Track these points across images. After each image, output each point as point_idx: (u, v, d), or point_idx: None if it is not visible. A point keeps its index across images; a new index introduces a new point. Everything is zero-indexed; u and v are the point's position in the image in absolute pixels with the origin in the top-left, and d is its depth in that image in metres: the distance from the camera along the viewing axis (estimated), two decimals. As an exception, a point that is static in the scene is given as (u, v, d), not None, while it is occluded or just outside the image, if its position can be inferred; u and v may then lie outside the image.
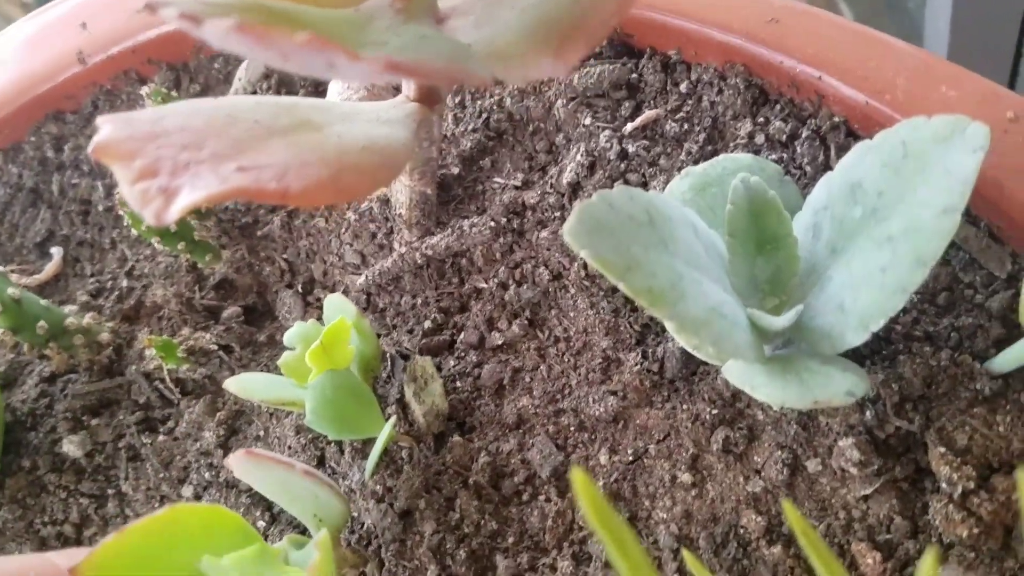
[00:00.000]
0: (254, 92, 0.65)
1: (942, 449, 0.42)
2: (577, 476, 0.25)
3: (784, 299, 0.45)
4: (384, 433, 0.47)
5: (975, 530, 0.40)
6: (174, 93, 0.58)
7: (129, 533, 0.36)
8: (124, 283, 0.62)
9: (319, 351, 0.47)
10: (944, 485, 0.41)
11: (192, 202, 0.32)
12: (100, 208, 0.66)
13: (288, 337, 0.50)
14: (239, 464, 0.41)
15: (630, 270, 0.37)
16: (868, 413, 0.45)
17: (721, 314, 0.40)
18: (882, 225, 0.40)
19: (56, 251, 0.67)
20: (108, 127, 0.35)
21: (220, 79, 0.68)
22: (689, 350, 0.46)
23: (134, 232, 0.58)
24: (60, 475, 0.56)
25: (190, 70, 0.70)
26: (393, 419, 0.47)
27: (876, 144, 0.42)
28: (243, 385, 0.47)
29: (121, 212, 0.53)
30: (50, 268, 0.65)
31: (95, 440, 0.56)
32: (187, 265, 0.61)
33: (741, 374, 0.42)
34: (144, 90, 0.56)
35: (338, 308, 0.50)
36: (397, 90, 0.48)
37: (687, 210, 0.45)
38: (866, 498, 0.44)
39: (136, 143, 0.35)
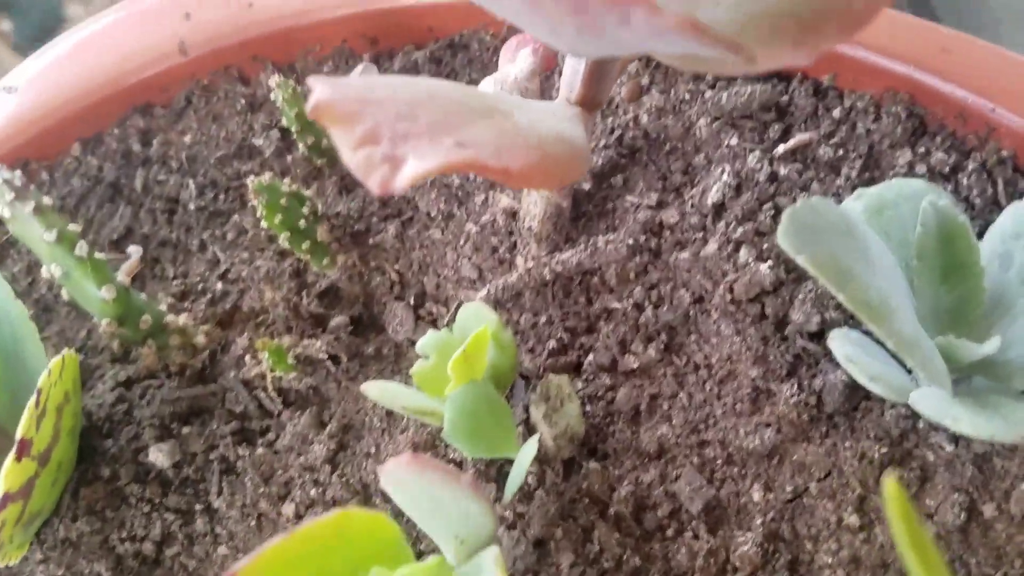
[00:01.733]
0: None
1: None
2: (890, 485, 0.24)
3: (965, 331, 0.46)
4: (528, 452, 0.46)
5: None
6: (297, 87, 0.59)
7: (294, 539, 0.35)
8: (218, 286, 0.62)
9: (461, 360, 0.47)
10: None
11: (421, 171, 0.33)
12: (191, 207, 0.67)
13: (422, 346, 0.50)
14: (400, 470, 0.40)
15: (847, 280, 0.38)
16: (1054, 457, 0.45)
17: (925, 337, 0.41)
18: (1091, 254, 0.41)
19: (135, 249, 0.67)
20: (325, 87, 0.35)
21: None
22: (863, 381, 0.47)
23: (240, 229, 0.58)
24: (144, 487, 0.55)
25: (296, 71, 0.71)
26: (536, 439, 0.47)
27: (1081, 169, 0.43)
28: (383, 391, 0.47)
29: (255, 201, 0.53)
30: (128, 266, 0.66)
31: (185, 450, 0.56)
32: (291, 270, 0.61)
33: (936, 405, 0.42)
34: (272, 81, 0.57)
35: (477, 316, 0.50)
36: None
37: (870, 229, 0.46)
38: (1048, 548, 0.44)
39: (354, 106, 0.36)
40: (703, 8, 0.36)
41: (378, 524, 0.39)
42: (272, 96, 0.60)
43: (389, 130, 0.35)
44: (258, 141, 0.68)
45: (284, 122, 0.62)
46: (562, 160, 0.40)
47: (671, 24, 0.28)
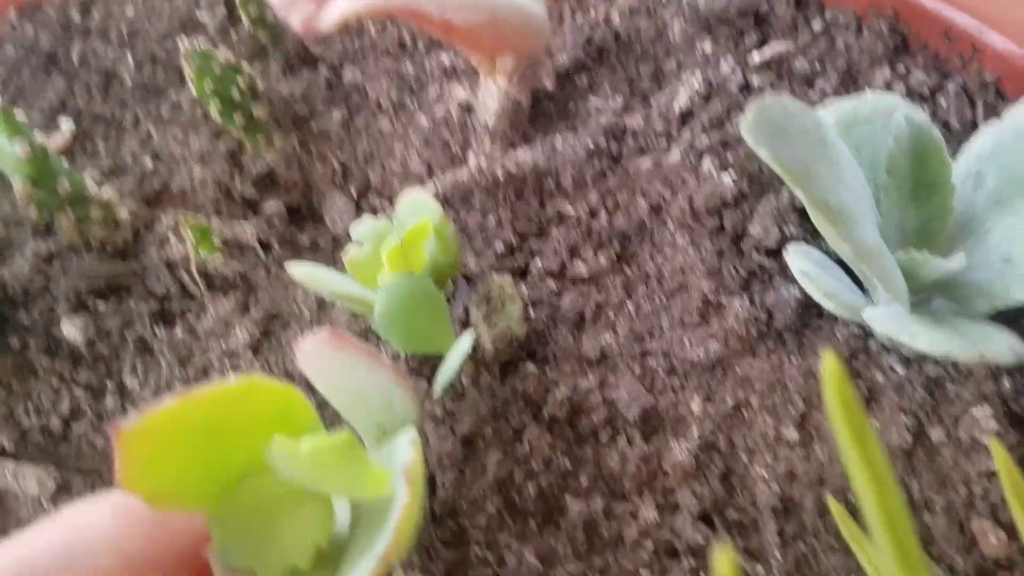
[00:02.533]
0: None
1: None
2: (829, 360, 0.23)
3: (931, 251, 0.46)
4: (462, 347, 0.45)
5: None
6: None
7: (191, 400, 0.33)
8: (148, 164, 0.61)
9: (397, 251, 0.46)
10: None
11: (351, 11, 0.31)
12: (127, 82, 0.65)
13: (358, 232, 0.49)
14: (317, 346, 0.39)
15: (809, 179, 0.37)
16: (1006, 383, 0.45)
17: (886, 251, 0.40)
18: (1064, 175, 0.41)
19: (66, 122, 0.65)
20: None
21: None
22: (817, 297, 0.46)
23: (177, 106, 0.56)
24: (54, 360, 0.54)
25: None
26: (470, 334, 0.46)
27: (1060, 88, 0.43)
28: (309, 273, 0.46)
29: (184, 65, 0.52)
30: (59, 139, 0.64)
31: (99, 326, 0.54)
32: (226, 152, 0.60)
33: (893, 320, 0.42)
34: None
35: (418, 206, 0.49)
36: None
37: (841, 142, 0.45)
38: (990, 474, 0.44)
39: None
40: None
41: (288, 396, 0.37)
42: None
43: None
44: (203, 16, 0.66)
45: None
46: (514, 27, 0.39)
47: None
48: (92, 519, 0.35)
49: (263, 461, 0.34)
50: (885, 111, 0.49)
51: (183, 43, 0.52)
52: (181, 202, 0.59)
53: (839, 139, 0.45)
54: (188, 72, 0.52)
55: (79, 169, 0.62)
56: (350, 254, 0.49)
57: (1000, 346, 0.40)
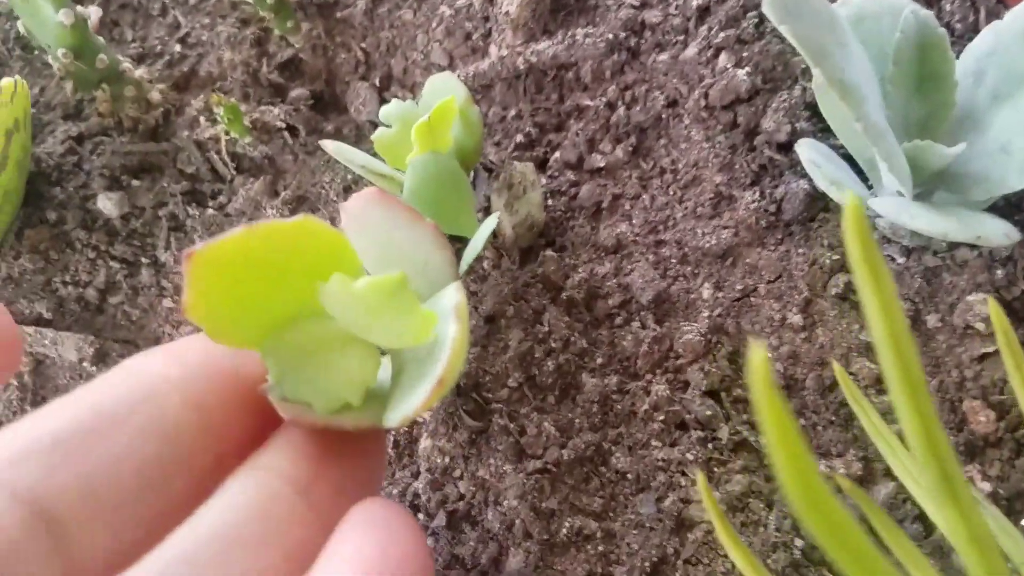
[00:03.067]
0: None
1: (1075, 316, 0.45)
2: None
3: (933, 141, 0.47)
4: (488, 226, 0.47)
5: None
6: None
7: (255, 231, 0.34)
8: (176, 49, 0.61)
9: (425, 128, 0.47)
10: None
11: None
12: (151, -35, 0.64)
13: (385, 114, 0.50)
14: (364, 203, 0.40)
15: (825, 57, 0.38)
16: (999, 272, 0.47)
17: (892, 135, 0.42)
18: (1061, 72, 0.42)
19: (94, 10, 0.65)
20: None
21: None
22: (823, 186, 0.48)
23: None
24: (90, 233, 0.55)
25: None
26: (496, 216, 0.48)
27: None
28: (341, 150, 0.47)
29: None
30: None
31: (133, 203, 0.56)
32: (253, 38, 0.60)
33: (894, 205, 0.44)
34: None
35: (445, 86, 0.50)
36: None
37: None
38: (981, 357, 0.46)
39: None
40: None
41: (338, 240, 0.38)
42: None
43: None
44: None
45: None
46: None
47: None
48: (150, 366, 0.35)
49: (315, 303, 0.35)
50: (892, 9, 0.49)
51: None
52: (210, 86, 0.60)
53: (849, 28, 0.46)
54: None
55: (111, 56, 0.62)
56: (377, 134, 0.50)
57: (994, 229, 0.42)
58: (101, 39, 0.55)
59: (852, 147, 0.48)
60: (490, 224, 0.47)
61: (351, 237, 0.42)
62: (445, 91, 0.51)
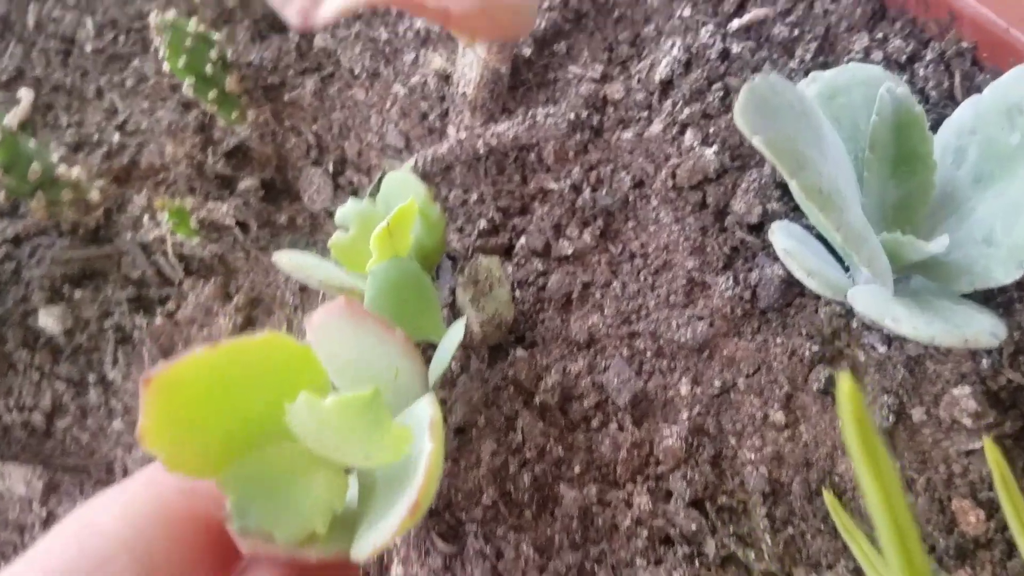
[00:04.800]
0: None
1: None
2: (844, 382, 0.22)
3: (911, 229, 0.44)
4: (455, 334, 0.43)
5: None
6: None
7: (218, 351, 0.31)
8: (115, 138, 0.57)
9: (385, 234, 0.43)
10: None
11: (349, 3, 0.28)
12: (88, 49, 0.60)
13: (341, 215, 0.46)
14: (330, 317, 0.37)
15: (802, 168, 0.35)
16: (984, 362, 0.44)
17: (871, 232, 0.38)
18: (1048, 155, 0.39)
19: (26, 93, 0.60)
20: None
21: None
22: (800, 276, 0.44)
23: (141, 75, 0.52)
24: (33, 353, 0.51)
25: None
26: (463, 321, 0.44)
27: (1045, 66, 0.41)
28: (296, 262, 0.43)
29: (156, 38, 0.47)
30: (19, 111, 0.59)
31: (77, 315, 0.51)
32: (196, 124, 0.56)
33: (876, 304, 0.40)
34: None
35: (403, 186, 0.46)
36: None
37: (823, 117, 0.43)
38: (968, 453, 0.43)
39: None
40: None
41: (305, 355, 0.35)
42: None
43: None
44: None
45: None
46: (509, 7, 0.36)
47: None
48: (98, 525, 0.33)
49: (279, 424, 0.32)
50: (865, 82, 0.46)
51: (153, 13, 0.47)
52: (153, 179, 0.56)
53: (821, 112, 0.43)
54: (161, 49, 0.48)
55: (42, 143, 0.57)
56: (334, 239, 0.46)
57: (982, 329, 0.39)
58: (32, 143, 0.50)
59: (833, 243, 0.45)
60: (457, 333, 0.44)
61: (318, 351, 0.38)
62: (404, 190, 0.47)
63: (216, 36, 0.51)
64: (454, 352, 0.43)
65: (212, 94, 0.51)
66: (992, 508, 0.42)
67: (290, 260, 0.43)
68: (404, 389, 0.40)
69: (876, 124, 0.42)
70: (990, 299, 0.47)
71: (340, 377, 0.39)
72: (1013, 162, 0.41)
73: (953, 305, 0.42)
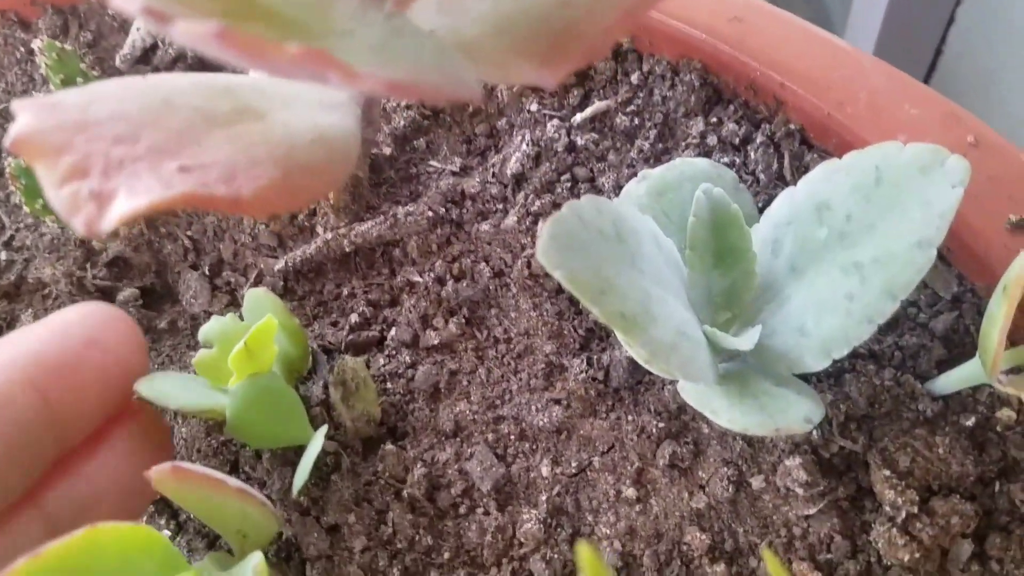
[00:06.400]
0: (154, 44, 0.60)
1: (886, 472, 0.44)
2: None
3: (738, 312, 0.46)
4: (315, 448, 0.45)
5: (916, 554, 0.42)
6: (67, 46, 0.53)
7: (45, 557, 0.32)
8: (2, 255, 0.57)
9: (243, 355, 0.44)
10: (888, 508, 0.44)
11: (131, 210, 0.29)
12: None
13: (204, 334, 0.47)
14: (162, 480, 0.38)
15: (604, 293, 0.37)
16: (814, 432, 0.46)
17: (686, 335, 0.40)
18: (850, 251, 0.42)
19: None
20: (28, 115, 0.31)
21: (114, 27, 0.62)
22: (641, 362, 0.46)
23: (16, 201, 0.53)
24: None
25: (80, 15, 0.64)
26: (323, 431, 0.46)
27: (846, 165, 0.43)
28: (158, 390, 0.44)
29: (13, 188, 0.48)
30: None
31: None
32: (76, 239, 0.56)
33: (699, 396, 0.43)
34: (36, 44, 0.51)
35: (262, 304, 0.47)
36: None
37: (647, 219, 0.45)
38: (808, 517, 0.46)
39: (63, 135, 0.32)
40: (424, 16, 0.33)
41: (139, 536, 0.36)
42: (37, 61, 0.53)
43: (102, 159, 0.31)
44: (41, 95, 0.62)
45: (51, 89, 0.56)
46: (317, 168, 0.37)
47: (372, 84, 0.25)
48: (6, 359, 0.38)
49: None
50: (692, 177, 0.48)
51: (7, 160, 0.48)
52: (40, 293, 0.56)
53: (644, 216, 0.44)
54: (17, 192, 0.49)
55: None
56: (199, 356, 0.47)
57: (795, 417, 0.41)
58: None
59: (636, 356, 0.47)
60: (316, 446, 0.45)
61: (166, 495, 0.40)
62: (263, 306, 0.48)
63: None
64: (311, 464, 0.45)
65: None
66: (830, 569, 0.45)
67: (153, 389, 0.44)
68: (255, 521, 0.41)
69: (694, 224, 0.44)
70: (822, 377, 0.49)
71: (199, 516, 0.42)
72: (821, 256, 0.43)
73: (775, 388, 0.44)
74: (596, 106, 0.55)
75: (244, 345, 0.44)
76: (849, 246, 0.42)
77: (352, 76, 0.25)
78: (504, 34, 0.35)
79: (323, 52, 0.25)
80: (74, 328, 0.42)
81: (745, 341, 0.42)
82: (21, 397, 0.38)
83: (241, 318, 0.50)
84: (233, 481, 0.41)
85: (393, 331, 0.53)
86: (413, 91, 0.27)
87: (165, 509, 0.50)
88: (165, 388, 0.45)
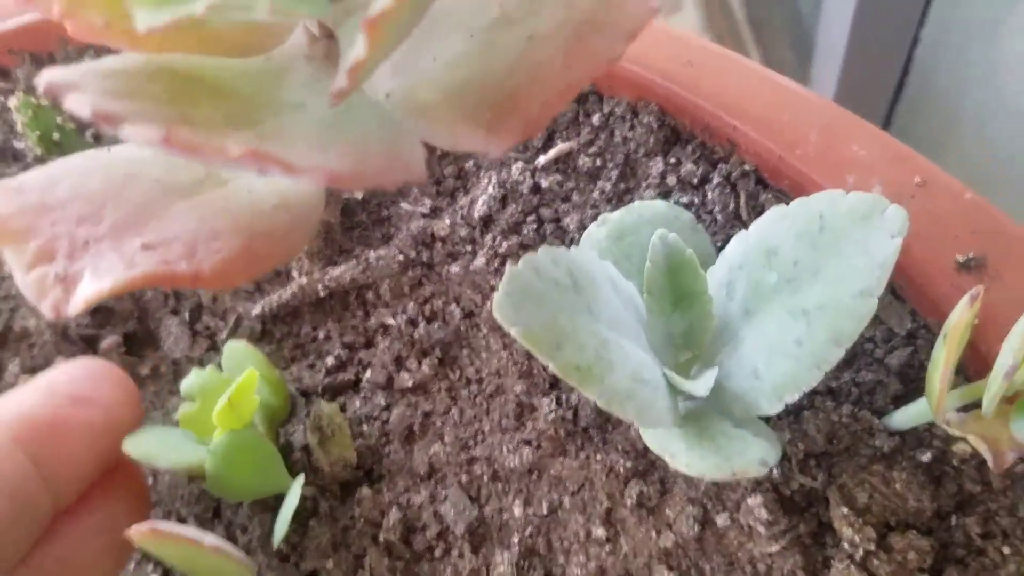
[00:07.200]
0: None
1: (844, 509, 0.45)
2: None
3: (698, 353, 0.47)
4: (292, 500, 0.46)
5: (873, 590, 0.43)
6: (43, 101, 0.53)
7: None
8: (-12, 307, 0.58)
9: (226, 410, 0.45)
10: (846, 546, 0.44)
11: (96, 293, 0.30)
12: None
13: (185, 388, 0.48)
14: (143, 540, 0.39)
15: (559, 348, 0.37)
16: (775, 469, 0.47)
17: (643, 380, 0.41)
18: (797, 296, 0.42)
19: None
20: (-10, 198, 0.32)
21: (91, 77, 0.63)
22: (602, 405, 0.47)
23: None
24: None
25: (56, 62, 0.64)
26: (300, 481, 0.47)
27: (792, 212, 0.43)
28: (144, 450, 0.44)
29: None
30: None
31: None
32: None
33: (658, 440, 0.43)
34: (12, 102, 0.52)
35: (242, 357, 0.48)
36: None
37: (606, 264, 0.46)
38: (771, 554, 0.46)
39: (28, 218, 0.32)
40: (377, 80, 0.34)
41: None
42: (14, 118, 0.54)
43: (67, 241, 0.32)
44: (19, 145, 0.62)
45: (29, 144, 0.56)
46: (280, 235, 0.37)
47: (315, 177, 0.26)
48: None
49: None
50: (651, 220, 0.49)
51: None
52: (26, 343, 0.57)
53: (601, 265, 0.45)
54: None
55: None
56: (182, 411, 0.48)
57: (751, 460, 0.41)
58: None
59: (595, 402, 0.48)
60: (293, 499, 0.46)
61: (152, 552, 0.41)
62: (243, 360, 0.49)
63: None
64: (290, 517, 0.46)
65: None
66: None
67: (137, 448, 0.45)
68: (233, 572, 0.42)
69: (650, 270, 0.44)
70: (784, 416, 0.50)
71: (179, 566, 0.43)
72: (771, 301, 0.44)
73: (734, 429, 0.44)
74: (559, 148, 0.55)
75: (228, 400, 0.45)
76: (796, 291, 0.42)
77: (294, 171, 0.26)
78: (455, 99, 0.36)
79: (263, 151, 0.26)
80: (60, 387, 0.43)
81: (700, 386, 0.43)
82: (9, 461, 0.39)
83: (220, 367, 0.50)
84: (209, 538, 0.41)
85: (368, 373, 0.54)
86: (356, 181, 0.27)
87: (152, 555, 0.51)
88: (152, 449, 0.46)
